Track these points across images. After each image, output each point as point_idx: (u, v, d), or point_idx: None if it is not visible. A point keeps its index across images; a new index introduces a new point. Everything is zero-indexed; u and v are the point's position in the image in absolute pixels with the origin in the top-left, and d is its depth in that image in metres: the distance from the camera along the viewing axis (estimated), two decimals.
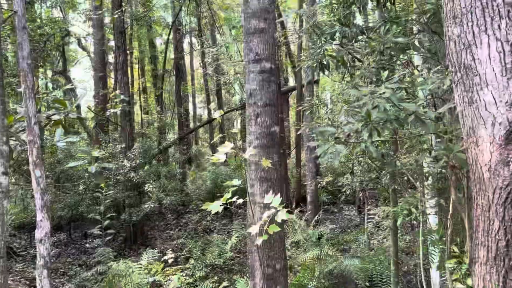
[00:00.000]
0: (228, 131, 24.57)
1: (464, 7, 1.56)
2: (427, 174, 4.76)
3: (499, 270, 1.65)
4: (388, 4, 4.05)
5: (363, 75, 3.26)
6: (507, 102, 1.50)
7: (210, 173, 15.43)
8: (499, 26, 1.52)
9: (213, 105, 17.74)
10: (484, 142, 1.57)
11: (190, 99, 22.98)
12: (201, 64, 20.34)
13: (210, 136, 21.40)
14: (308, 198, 11.37)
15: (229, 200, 3.74)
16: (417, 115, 2.17)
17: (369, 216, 9.44)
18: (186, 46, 21.04)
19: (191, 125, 20.19)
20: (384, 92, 2.10)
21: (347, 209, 13.51)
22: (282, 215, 3.71)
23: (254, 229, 3.71)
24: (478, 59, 1.55)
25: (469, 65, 1.57)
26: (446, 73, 2.21)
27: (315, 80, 14.83)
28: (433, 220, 5.87)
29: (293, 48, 17.68)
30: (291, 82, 21.23)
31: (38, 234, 3.29)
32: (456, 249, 3.92)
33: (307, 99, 8.45)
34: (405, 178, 5.28)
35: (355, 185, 6.79)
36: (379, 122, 2.15)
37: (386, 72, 2.47)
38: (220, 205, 3.78)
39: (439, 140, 3.73)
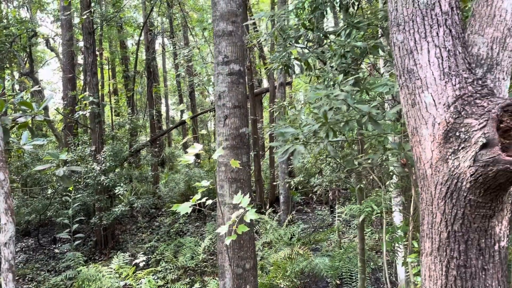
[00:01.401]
0: (200, 132, 24.50)
1: (406, 15, 1.67)
2: (391, 173, 4.95)
3: (442, 260, 1.78)
4: (350, 9, 4.20)
5: (326, 77, 3.38)
6: (445, 103, 1.63)
7: (183, 175, 15.36)
8: (437, 33, 1.64)
9: (181, 106, 17.64)
10: (425, 141, 1.69)
11: (163, 100, 22.79)
12: (174, 65, 20.22)
13: (183, 138, 21.26)
14: (281, 199, 11.51)
15: (198, 201, 3.79)
16: (371, 116, 2.28)
17: (339, 215, 9.65)
18: (158, 47, 20.86)
19: (164, 127, 20.02)
20: (338, 94, 2.20)
21: (320, 209, 13.73)
22: (251, 215, 3.79)
23: (223, 230, 3.76)
24: (419, 64, 1.67)
25: (411, 70, 1.69)
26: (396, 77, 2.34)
27: (287, 82, 15.04)
28: (398, 218, 6.09)
29: (266, 50, 17.84)
30: (265, 84, 21.38)
31: (2, 237, 3.24)
32: (416, 244, 4.10)
33: (276, 101, 8.56)
34: (371, 177, 5.46)
35: (325, 184, 6.94)
36: (335, 123, 2.25)
37: (341, 76, 2.58)
38: (190, 206, 3.83)
39: (396, 139, 3.90)
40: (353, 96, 2.37)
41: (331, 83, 3.55)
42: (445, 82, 1.62)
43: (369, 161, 3.70)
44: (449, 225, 1.71)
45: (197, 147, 3.90)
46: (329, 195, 8.20)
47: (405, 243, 4.98)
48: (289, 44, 3.71)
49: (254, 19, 5.09)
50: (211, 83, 18.09)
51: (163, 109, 21.80)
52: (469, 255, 1.73)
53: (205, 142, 25.08)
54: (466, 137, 1.55)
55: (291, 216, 10.81)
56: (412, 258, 3.98)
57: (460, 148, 1.56)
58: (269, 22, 13.65)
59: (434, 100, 1.64)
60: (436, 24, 1.64)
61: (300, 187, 11.22)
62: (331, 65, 3.51)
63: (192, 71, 17.97)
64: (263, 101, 20.37)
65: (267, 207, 13.52)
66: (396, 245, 5.24)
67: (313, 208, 14.28)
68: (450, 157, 1.61)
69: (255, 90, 14.63)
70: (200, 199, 3.85)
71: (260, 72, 20.57)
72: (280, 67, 3.70)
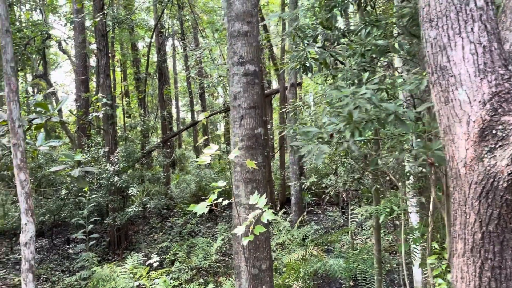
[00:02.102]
0: (212, 133, 24.55)
1: (439, 11, 1.64)
2: (408, 174, 4.89)
3: (476, 261, 1.73)
4: (368, 7, 4.16)
5: (345, 77, 3.35)
6: (480, 101, 1.59)
7: (194, 176, 15.39)
8: (472, 29, 1.61)
9: (197, 107, 17.72)
10: (459, 139, 1.65)
11: (174, 102, 22.90)
12: (184, 67, 20.30)
13: (193, 139, 21.34)
14: (292, 200, 11.47)
15: (214, 202, 3.78)
16: (397, 115, 2.25)
17: (352, 216, 9.57)
18: (169, 49, 20.96)
19: (175, 128, 20.11)
20: (365, 93, 2.17)
21: (331, 210, 13.65)
22: (268, 215, 3.77)
23: (239, 230, 3.75)
24: (453, 60, 1.63)
25: (444, 66, 1.65)
26: (424, 74, 2.30)
27: (298, 83, 14.99)
28: (414, 219, 6.02)
29: (276, 51, 17.81)
30: (274, 85, 21.36)
31: (23, 237, 3.26)
32: (436, 246, 4.04)
33: (290, 101, 8.53)
34: (387, 178, 5.40)
35: (339, 185, 6.89)
36: (360, 122, 2.22)
37: (367, 74, 2.55)
38: (206, 207, 3.82)
39: (418, 140, 3.84)
40: (378, 95, 2.33)
41: (350, 82, 3.51)
42: (481, 79, 1.59)
43: (391, 161, 3.65)
44: (483, 226, 1.67)
45: (213, 148, 3.90)
46: (343, 196, 8.13)
47: (422, 244, 4.92)
48: (306, 43, 3.68)
49: (267, 19, 5.09)
50: (221, 84, 18.14)
51: (173, 110, 21.89)
52: (504, 256, 1.68)
53: (215, 143, 25.13)
54: (504, 135, 1.51)
55: (303, 217, 10.77)
56: (433, 259, 3.92)
57: (497, 146, 1.53)
58: (281, 23, 13.64)
59: (468, 98, 1.60)
60: (471, 20, 1.60)
61: (313, 188, 11.17)
62: (350, 64, 3.48)
63: (203, 72, 18.01)
64: (272, 102, 20.35)
65: (278, 208, 13.49)
66: (413, 246, 5.18)
67: (324, 209, 14.21)
68: (486, 155, 1.57)
69: (265, 91, 14.61)
70: (216, 199, 3.85)
71: (270, 73, 20.57)
72: (298, 66, 3.68)
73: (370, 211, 4.92)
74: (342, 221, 12.00)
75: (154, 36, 15.41)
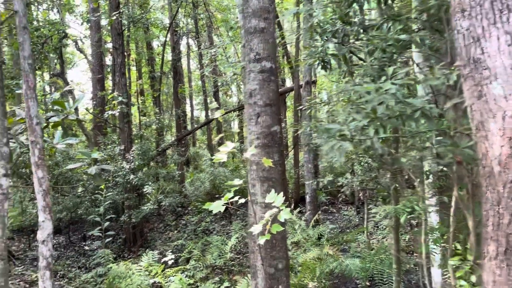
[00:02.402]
0: (226, 131, 24.56)
1: (472, 0, 1.56)
2: (427, 172, 4.76)
3: (510, 264, 1.65)
4: (389, 1, 4.05)
5: (365, 73, 3.26)
6: None
7: (208, 174, 15.41)
8: (507, 19, 1.52)
9: (213, 104, 17.73)
10: (493, 136, 1.57)
11: (188, 100, 22.97)
12: (199, 66, 20.33)
13: (208, 138, 21.37)
14: (307, 199, 11.37)
15: (230, 200, 3.74)
16: (423, 111, 2.17)
17: (369, 216, 9.44)
18: (183, 47, 21.02)
19: (189, 126, 20.17)
20: (390, 88, 2.10)
21: (345, 209, 13.51)
22: (285, 214, 3.71)
23: (256, 229, 3.70)
24: (487, 52, 1.55)
25: (478, 59, 1.57)
26: (452, 68, 2.21)
27: (312, 81, 14.85)
28: (434, 218, 5.88)
29: (290, 48, 17.70)
30: (288, 83, 21.24)
31: (40, 235, 3.26)
32: (459, 247, 3.92)
33: (307, 99, 8.44)
34: (405, 176, 5.29)
35: (356, 184, 6.78)
36: (386, 119, 2.14)
37: (391, 69, 2.47)
38: (222, 205, 3.78)
39: (440, 137, 3.73)
40: (402, 91, 2.25)
41: (371, 78, 3.42)
42: None
43: (412, 159, 3.55)
44: None
45: (229, 146, 3.85)
46: (359, 195, 8.01)
47: (442, 244, 4.79)
48: (325, 38, 3.60)
49: (281, 16, 5.02)
50: (235, 82, 18.10)
51: (187, 109, 21.96)
52: None
53: (229, 141, 25.11)
54: None
55: (318, 216, 10.67)
56: (455, 261, 3.81)
57: None
58: (296, 20, 13.54)
59: (504, 92, 1.52)
60: (507, 9, 1.52)
61: (329, 187, 11.06)
62: (370, 60, 3.39)
63: (217, 70, 18.01)
64: (286, 100, 20.23)
65: (292, 206, 13.41)
66: (432, 247, 5.05)
67: (338, 208, 14.08)
68: None
69: (279, 89, 14.52)
70: (232, 197, 3.80)
71: (284, 71, 20.46)
72: (317, 62, 3.60)
73: (388, 210, 4.82)
74: (357, 220, 11.87)
75: (168, 35, 15.45)
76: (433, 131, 2.91)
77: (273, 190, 4.08)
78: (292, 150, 16.54)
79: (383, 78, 3.33)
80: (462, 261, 3.84)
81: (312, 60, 3.63)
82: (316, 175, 12.18)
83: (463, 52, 1.62)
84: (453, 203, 4.12)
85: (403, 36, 2.87)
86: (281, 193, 3.78)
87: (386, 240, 9.71)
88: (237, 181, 3.85)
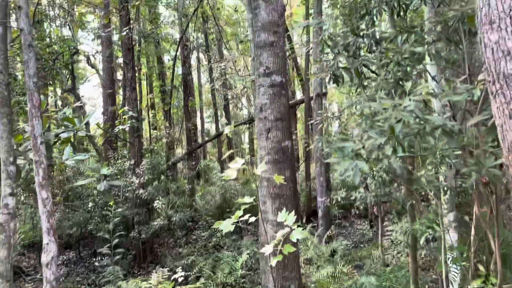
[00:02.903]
0: (237, 144, 24.48)
1: (502, 11, 1.43)
2: (445, 188, 4.58)
3: None
4: (401, 13, 3.94)
5: (380, 87, 3.13)
6: None
7: (219, 188, 15.27)
8: None
9: (223, 120, 17.72)
10: None
11: (198, 114, 23.02)
12: (209, 79, 20.40)
13: (218, 151, 21.32)
14: (320, 213, 11.16)
15: (241, 219, 3.60)
16: (444, 128, 2.03)
17: (386, 233, 9.19)
18: (193, 61, 21.14)
19: (199, 140, 20.15)
20: (408, 105, 1.97)
21: (358, 223, 13.23)
22: (298, 234, 3.55)
23: (267, 250, 3.55)
24: None
25: (509, 75, 1.43)
26: (476, 83, 2.08)
27: (323, 93, 14.74)
28: (452, 235, 5.66)
29: (300, 61, 17.65)
30: (298, 95, 21.18)
31: (44, 258, 3.17)
32: (482, 268, 3.72)
33: (318, 112, 8.31)
34: (422, 192, 5.10)
35: (370, 199, 6.60)
36: (403, 137, 2.01)
37: (410, 84, 2.34)
38: (232, 224, 3.64)
39: (458, 152, 3.56)
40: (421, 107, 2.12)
41: (385, 92, 3.29)
42: None
43: (430, 176, 3.39)
44: None
45: (239, 162, 3.73)
46: (374, 210, 7.79)
47: (463, 264, 4.58)
48: (337, 51, 3.49)
49: (291, 29, 4.95)
50: (245, 96, 18.07)
51: (198, 122, 21.96)
52: None
53: (239, 154, 25.03)
54: None
55: (331, 231, 10.44)
56: (478, 283, 3.61)
57: None
58: (305, 32, 13.50)
59: None
60: None
61: (341, 201, 10.83)
62: (385, 73, 3.27)
63: (228, 84, 18.02)
64: (297, 112, 20.12)
65: (304, 221, 13.18)
66: (452, 266, 4.84)
67: (351, 222, 13.80)
68: None
69: (289, 102, 14.43)
70: (242, 215, 3.67)
71: (294, 83, 20.41)
72: (328, 76, 3.49)
73: (405, 228, 4.63)
74: (371, 234, 11.58)
75: (179, 49, 15.53)
76: (455, 148, 2.76)
77: (284, 208, 3.94)
78: (304, 163, 16.36)
79: (398, 92, 3.20)
80: (485, 284, 3.63)
81: (323, 74, 3.51)
82: (328, 188, 11.97)
83: (492, 66, 1.48)
84: (473, 221, 3.93)
85: (419, 49, 2.74)
86: (293, 212, 3.64)
87: (401, 255, 9.42)
88: (248, 199, 3.72)
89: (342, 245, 9.23)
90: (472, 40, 3.60)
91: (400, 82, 3.15)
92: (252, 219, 3.73)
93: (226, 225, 3.63)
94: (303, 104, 14.91)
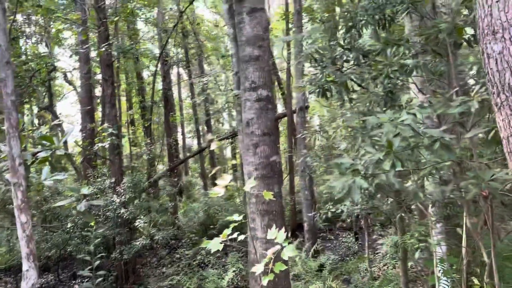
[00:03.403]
0: (219, 159, 24.27)
1: (505, 21, 1.40)
2: (434, 200, 4.57)
3: None
4: (386, 26, 3.96)
5: (369, 100, 3.11)
6: None
7: (202, 204, 15.02)
8: None
9: (209, 136, 17.59)
10: None
11: (179, 129, 22.79)
12: (190, 94, 20.28)
13: (200, 166, 21.08)
14: (305, 227, 11.07)
15: (229, 237, 3.49)
16: (442, 141, 1.99)
17: (376, 246, 9.15)
18: (174, 77, 21.02)
19: (181, 155, 19.89)
20: (406, 119, 1.92)
21: (343, 236, 13.19)
22: (289, 251, 3.46)
23: (258, 269, 3.44)
24: None
25: None
26: (473, 95, 2.06)
27: (306, 106, 14.82)
28: (441, 248, 5.65)
29: (281, 75, 17.75)
30: (279, 109, 21.24)
31: (25, 285, 2.97)
32: (476, 281, 3.69)
33: (305, 126, 8.29)
34: (411, 205, 5.09)
35: (357, 212, 6.56)
36: (402, 151, 1.96)
37: (406, 96, 2.31)
38: (220, 243, 3.52)
39: (448, 164, 3.56)
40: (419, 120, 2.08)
41: (375, 105, 3.27)
42: None
43: (431, 192, 3.36)
44: None
45: (227, 179, 3.63)
46: (361, 223, 7.76)
47: (453, 276, 4.55)
48: (325, 65, 3.46)
49: (272, 43, 4.93)
50: (226, 111, 18.01)
51: (179, 137, 21.73)
52: None
53: (222, 169, 24.83)
54: None
55: (317, 245, 10.35)
56: None
57: None
58: (286, 47, 13.59)
59: None
60: None
61: (328, 215, 10.78)
62: (374, 86, 3.25)
63: (209, 98, 17.94)
64: (279, 126, 20.14)
65: (289, 235, 13.06)
66: (442, 278, 4.81)
67: (336, 234, 13.76)
68: None
69: None
70: (231, 233, 3.55)
71: (276, 96, 20.48)
72: (317, 90, 3.45)
73: (394, 241, 4.60)
74: (356, 247, 11.54)
75: (159, 65, 15.40)
76: (450, 161, 2.74)
77: (274, 225, 3.84)
78: (288, 177, 16.30)
79: (388, 104, 3.18)
80: None
81: (313, 87, 3.47)
82: (313, 201, 11.92)
83: (495, 78, 1.45)
84: (464, 233, 3.91)
85: (409, 61, 2.73)
86: (283, 229, 3.55)
87: (387, 267, 9.39)
88: (237, 217, 3.61)
89: (330, 260, 9.15)
90: (455, 52, 3.63)
91: (389, 95, 3.13)
92: (241, 237, 3.62)
93: (214, 245, 3.50)
94: (285, 118, 14.92)
